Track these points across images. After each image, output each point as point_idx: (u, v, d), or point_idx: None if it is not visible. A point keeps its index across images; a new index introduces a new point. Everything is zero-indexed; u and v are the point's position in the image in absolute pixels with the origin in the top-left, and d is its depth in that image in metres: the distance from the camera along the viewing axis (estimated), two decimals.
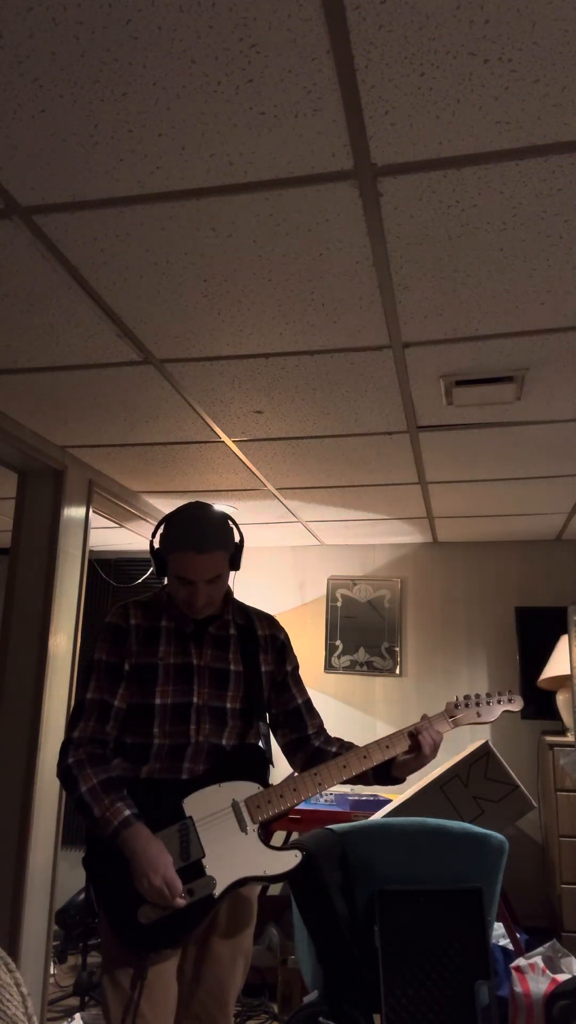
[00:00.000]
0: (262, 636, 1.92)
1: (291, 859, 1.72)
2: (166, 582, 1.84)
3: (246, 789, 1.74)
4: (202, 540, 1.73)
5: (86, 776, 1.69)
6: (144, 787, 1.71)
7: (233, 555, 1.81)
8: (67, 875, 4.05)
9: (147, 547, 4.80)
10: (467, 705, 1.90)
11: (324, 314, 1.86)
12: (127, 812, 1.64)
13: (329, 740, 1.92)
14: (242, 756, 1.79)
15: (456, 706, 1.90)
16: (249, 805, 1.72)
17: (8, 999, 0.77)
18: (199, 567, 1.73)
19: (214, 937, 1.77)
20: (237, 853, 1.68)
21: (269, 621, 1.97)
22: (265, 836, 1.74)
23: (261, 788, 1.75)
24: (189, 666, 1.80)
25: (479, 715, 1.89)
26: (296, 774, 1.79)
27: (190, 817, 1.69)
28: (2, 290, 1.79)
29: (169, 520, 1.80)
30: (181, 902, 1.60)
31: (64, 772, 1.73)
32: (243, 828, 1.71)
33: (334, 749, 1.87)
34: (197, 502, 1.83)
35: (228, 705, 1.81)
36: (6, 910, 2.66)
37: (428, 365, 2.14)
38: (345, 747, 1.88)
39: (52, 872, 2.86)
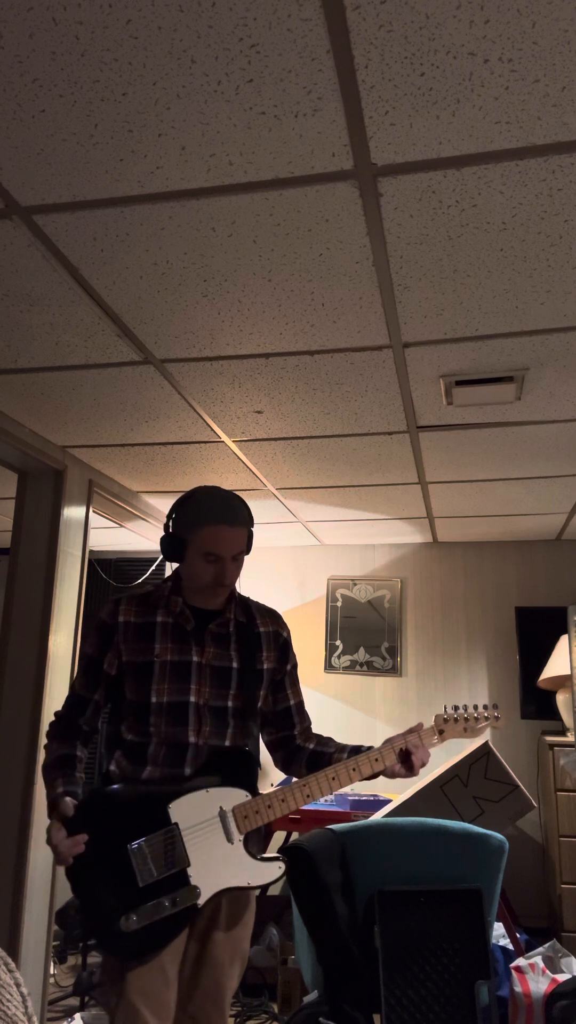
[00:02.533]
0: (264, 632, 1.87)
1: (274, 870, 1.71)
2: (168, 573, 1.84)
3: (234, 797, 1.71)
4: (231, 513, 1.72)
5: (48, 750, 1.79)
6: (140, 789, 1.69)
7: (249, 536, 1.80)
8: None
9: (147, 547, 4.80)
10: (456, 720, 1.87)
11: (324, 314, 1.86)
12: (60, 790, 1.69)
13: (309, 738, 1.89)
14: (231, 760, 1.75)
15: (445, 720, 1.87)
16: (237, 815, 1.69)
17: (8, 999, 0.77)
18: (230, 541, 1.71)
19: (213, 938, 1.76)
20: (222, 863, 1.67)
21: (272, 617, 1.92)
22: (255, 844, 1.73)
23: (249, 796, 1.72)
24: (188, 664, 1.76)
25: (465, 731, 1.87)
26: (290, 780, 1.78)
27: (176, 824, 1.66)
28: (2, 290, 1.79)
29: (188, 499, 1.76)
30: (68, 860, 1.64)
31: (45, 747, 1.84)
32: (229, 838, 1.68)
33: (312, 746, 1.86)
34: (208, 485, 1.82)
35: (229, 704, 1.78)
36: (6, 910, 2.66)
37: (428, 365, 2.14)
38: (322, 743, 1.86)
39: (52, 872, 2.86)
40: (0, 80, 1.18)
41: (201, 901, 1.64)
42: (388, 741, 1.80)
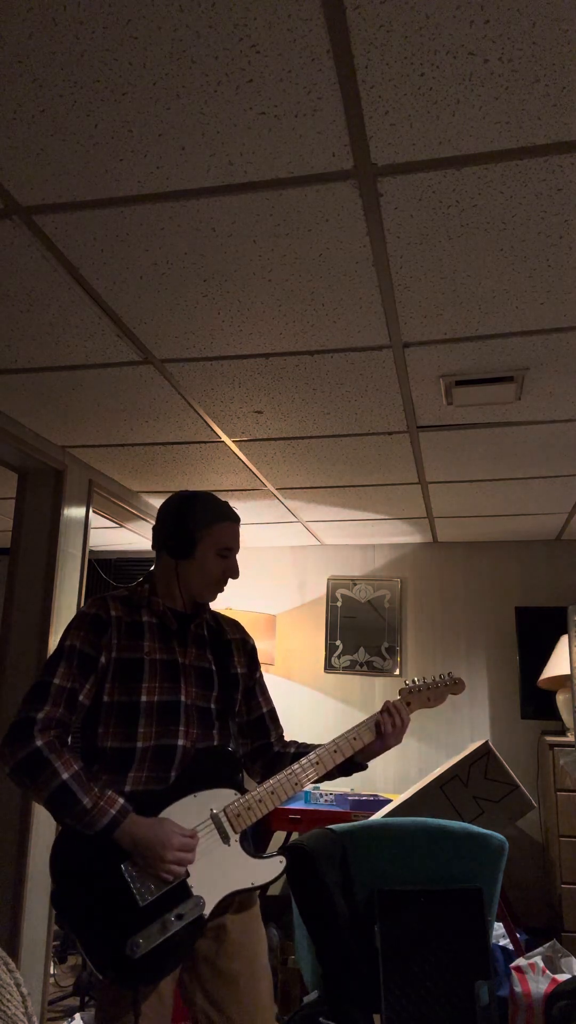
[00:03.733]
0: (232, 639, 1.87)
1: (276, 865, 1.66)
2: (153, 571, 1.82)
3: (223, 797, 1.65)
4: (234, 512, 1.81)
5: (66, 761, 1.51)
6: (130, 801, 1.56)
7: None
8: None
9: (147, 547, 4.80)
10: (419, 690, 1.90)
11: (324, 314, 1.86)
12: (122, 801, 1.52)
13: (286, 744, 1.88)
14: (213, 760, 1.70)
15: (411, 692, 1.90)
16: (229, 814, 1.63)
17: (8, 999, 0.77)
18: (238, 537, 1.80)
19: (223, 955, 1.63)
20: (222, 867, 1.60)
21: (236, 626, 1.92)
22: (251, 842, 1.68)
23: (237, 794, 1.66)
24: (175, 663, 1.71)
25: (429, 700, 1.91)
26: (274, 778, 1.71)
27: None
28: (2, 290, 1.79)
29: (194, 499, 1.77)
30: (190, 858, 1.53)
31: (30, 756, 1.49)
32: (225, 840, 1.62)
33: (292, 750, 1.84)
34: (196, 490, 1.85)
35: (212, 706, 1.74)
36: (6, 910, 2.66)
37: (428, 365, 2.14)
38: (303, 747, 1.85)
39: None
40: (0, 80, 1.18)
41: (207, 911, 1.56)
42: (364, 723, 1.81)
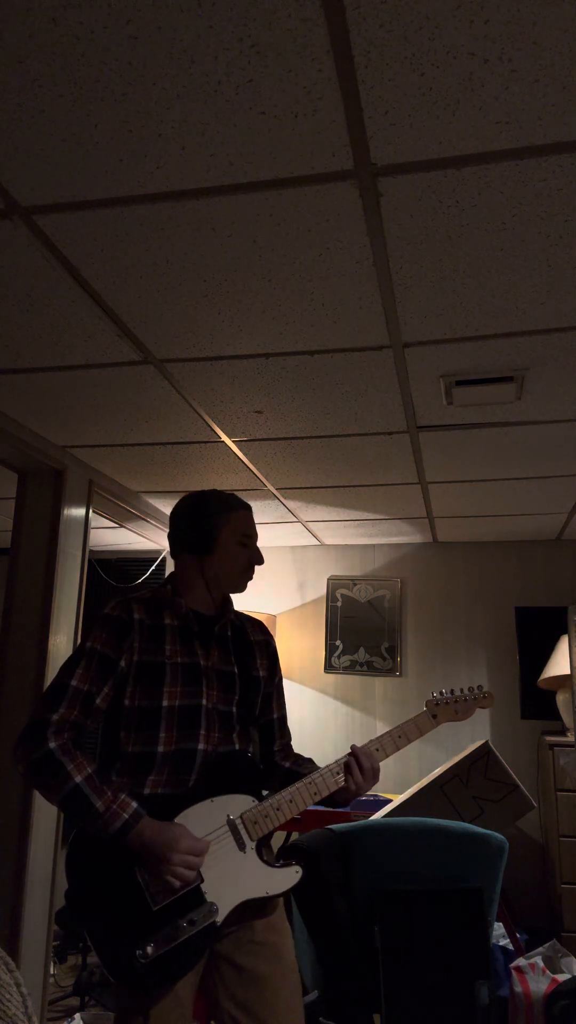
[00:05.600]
0: (255, 641, 1.85)
1: (292, 876, 1.62)
2: (173, 574, 1.81)
3: (240, 803, 1.62)
4: (245, 501, 1.84)
5: (79, 764, 1.50)
6: (146, 804, 1.55)
7: None
8: None
9: (147, 547, 4.80)
10: (446, 703, 1.87)
11: (324, 314, 1.86)
12: (135, 804, 1.50)
13: (287, 756, 1.85)
14: (232, 765, 1.67)
15: (437, 704, 1.86)
16: (246, 821, 1.60)
17: (8, 999, 0.77)
18: (254, 524, 1.83)
19: (248, 955, 1.60)
20: (237, 874, 1.57)
21: (260, 627, 1.90)
22: (268, 850, 1.65)
23: (255, 801, 1.63)
24: (196, 666, 1.68)
25: (457, 712, 1.87)
26: (293, 786, 1.68)
27: None
28: (2, 290, 1.79)
29: (206, 495, 1.81)
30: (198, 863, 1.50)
31: (44, 758, 1.49)
32: (241, 847, 1.59)
33: (288, 764, 1.82)
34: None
35: (234, 710, 1.72)
36: (6, 910, 2.66)
37: (428, 365, 2.14)
38: (299, 763, 1.82)
39: (52, 872, 2.86)
40: (0, 80, 1.18)
41: (220, 919, 1.54)
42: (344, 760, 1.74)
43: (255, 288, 1.75)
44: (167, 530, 4.28)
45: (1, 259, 1.66)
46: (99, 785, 1.50)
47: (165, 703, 1.63)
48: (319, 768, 1.76)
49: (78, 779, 1.49)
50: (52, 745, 1.51)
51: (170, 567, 4.92)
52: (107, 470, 3.30)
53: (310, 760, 1.86)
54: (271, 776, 1.81)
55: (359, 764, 1.71)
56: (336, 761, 1.73)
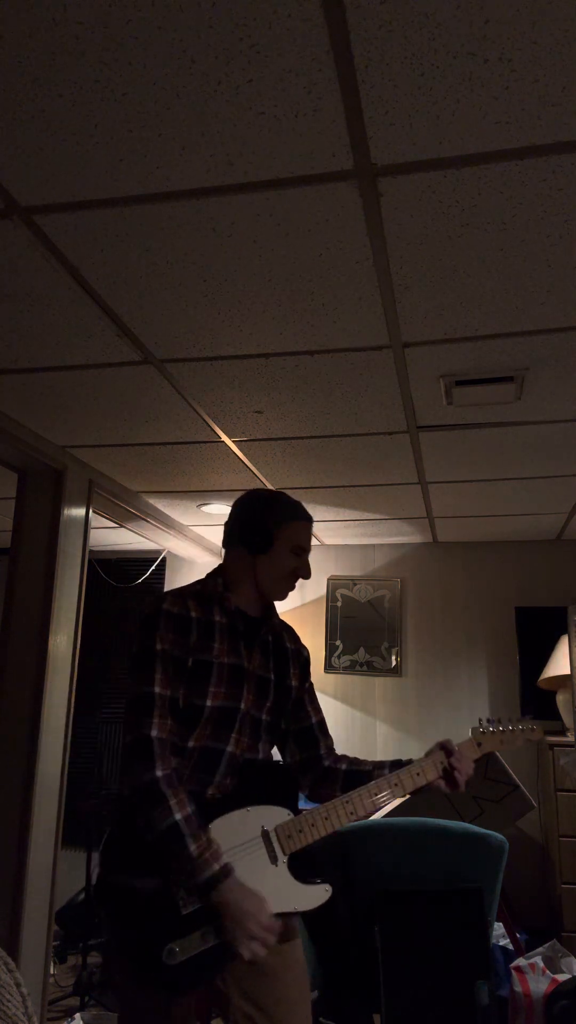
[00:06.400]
0: (290, 649, 1.85)
1: (322, 893, 1.60)
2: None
3: (276, 815, 1.60)
4: (309, 513, 1.83)
5: (181, 801, 1.48)
6: None
7: None
8: (67, 875, 4.05)
9: (147, 547, 4.80)
10: (492, 733, 1.84)
11: (324, 314, 1.86)
12: (225, 858, 1.48)
13: (338, 759, 1.83)
14: (271, 776, 1.67)
15: (483, 732, 1.84)
16: (280, 835, 1.58)
17: (8, 999, 0.77)
18: (311, 538, 1.82)
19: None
20: (267, 887, 1.54)
21: (293, 635, 1.90)
22: (300, 865, 1.62)
23: (291, 814, 1.61)
24: (241, 668, 1.67)
25: (503, 743, 1.84)
26: (328, 804, 1.66)
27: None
28: (2, 290, 1.79)
29: (275, 497, 1.80)
30: (272, 939, 1.47)
31: (150, 786, 1.47)
32: (273, 860, 1.57)
33: (344, 767, 1.79)
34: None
35: (264, 717, 1.71)
36: (6, 910, 2.66)
37: (428, 365, 2.14)
38: (356, 763, 1.80)
39: (52, 872, 2.86)
40: (0, 80, 1.18)
41: None
42: (429, 754, 1.77)
43: (255, 288, 1.75)
44: (167, 530, 4.27)
45: (1, 259, 1.66)
46: (196, 827, 1.47)
47: (209, 703, 1.61)
48: (379, 766, 1.76)
49: (178, 817, 1.46)
50: (159, 773, 1.49)
51: (170, 567, 4.92)
52: (107, 470, 3.30)
53: (358, 758, 1.84)
54: (329, 780, 1.79)
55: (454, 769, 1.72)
56: (396, 774, 1.71)
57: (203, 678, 1.62)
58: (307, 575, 1.79)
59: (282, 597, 1.79)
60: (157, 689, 1.56)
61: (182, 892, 1.48)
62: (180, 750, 1.59)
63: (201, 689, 1.61)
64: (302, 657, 1.88)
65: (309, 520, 1.82)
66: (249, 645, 1.72)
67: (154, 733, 1.52)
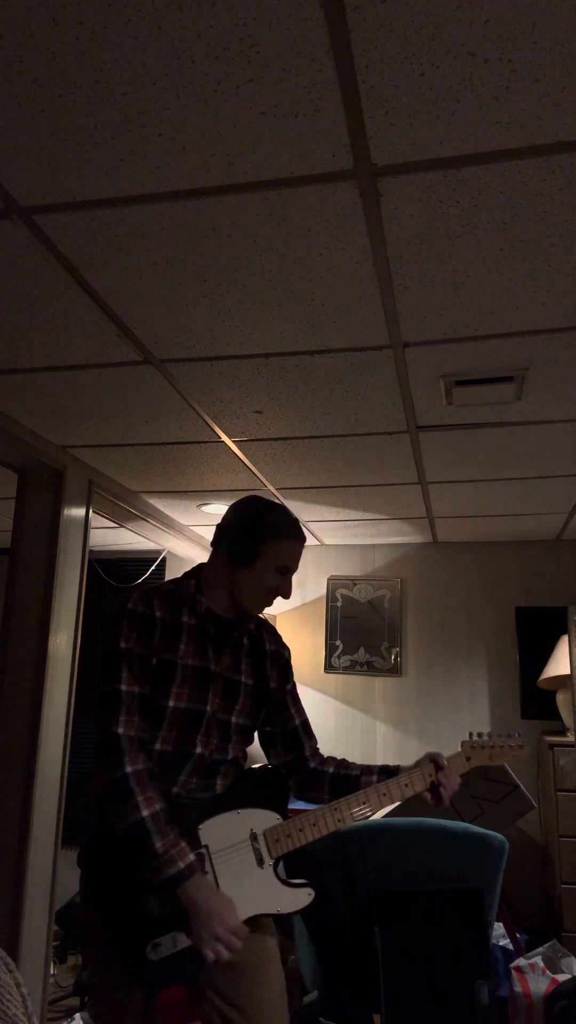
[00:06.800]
0: (269, 650, 1.83)
1: (304, 897, 1.63)
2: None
3: (265, 819, 1.63)
4: (302, 532, 1.77)
5: (149, 798, 1.50)
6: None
7: None
8: (67, 875, 4.04)
9: (147, 547, 4.80)
10: (482, 747, 1.85)
11: (324, 314, 1.86)
12: (191, 856, 1.49)
13: (324, 761, 1.83)
14: (262, 780, 1.69)
15: (472, 747, 1.84)
16: (268, 838, 1.62)
17: (8, 999, 0.77)
18: (300, 557, 1.76)
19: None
20: (251, 888, 1.58)
21: (274, 635, 1.89)
22: (284, 868, 1.65)
23: (280, 818, 1.65)
24: (207, 671, 1.68)
25: (491, 758, 1.85)
26: (316, 807, 1.68)
27: (206, 846, 1.57)
28: (2, 290, 1.79)
29: (267, 510, 1.75)
30: (238, 943, 1.48)
31: (117, 783, 1.50)
32: (260, 862, 1.60)
33: (331, 770, 1.80)
34: (266, 499, 1.80)
35: (233, 719, 1.71)
36: (6, 910, 2.66)
37: (428, 365, 2.14)
38: (343, 766, 1.80)
39: (52, 872, 2.86)
40: (0, 80, 1.18)
41: None
42: (418, 764, 1.76)
43: (255, 288, 1.75)
44: (167, 530, 4.26)
45: (1, 259, 1.66)
46: (164, 824, 1.48)
47: (171, 703, 1.62)
48: (367, 771, 1.76)
49: (145, 813, 1.48)
50: (128, 769, 1.51)
51: (170, 567, 4.92)
52: (107, 470, 3.30)
53: (345, 760, 1.84)
54: (315, 783, 1.80)
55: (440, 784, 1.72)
56: (385, 783, 1.72)
57: (167, 678, 1.63)
58: (287, 595, 1.75)
59: (257, 612, 1.77)
60: (123, 687, 1.57)
61: (148, 896, 1.50)
62: (149, 750, 1.59)
63: (164, 689, 1.62)
64: (282, 658, 1.86)
65: (300, 539, 1.76)
66: (219, 647, 1.71)
67: (121, 730, 1.54)
